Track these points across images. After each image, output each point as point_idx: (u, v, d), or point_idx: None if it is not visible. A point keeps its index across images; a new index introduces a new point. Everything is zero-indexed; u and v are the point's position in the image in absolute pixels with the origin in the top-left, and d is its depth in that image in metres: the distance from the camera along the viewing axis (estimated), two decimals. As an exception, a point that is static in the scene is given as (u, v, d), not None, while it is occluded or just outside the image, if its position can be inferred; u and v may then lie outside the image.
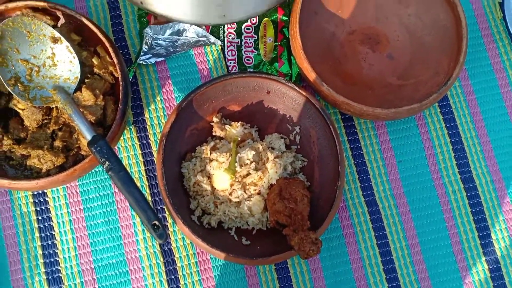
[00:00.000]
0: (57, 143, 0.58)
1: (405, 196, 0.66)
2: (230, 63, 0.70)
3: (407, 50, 0.67)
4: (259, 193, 0.61)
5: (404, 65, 0.67)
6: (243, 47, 0.70)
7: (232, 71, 0.69)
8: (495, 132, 0.68)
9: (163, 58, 0.68)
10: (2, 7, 0.60)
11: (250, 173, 0.60)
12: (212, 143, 0.63)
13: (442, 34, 0.66)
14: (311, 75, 0.62)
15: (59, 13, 0.62)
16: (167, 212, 0.64)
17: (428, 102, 0.61)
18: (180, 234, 0.63)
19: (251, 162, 0.60)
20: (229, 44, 0.70)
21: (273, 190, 0.59)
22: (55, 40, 0.59)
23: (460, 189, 0.66)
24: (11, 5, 0.61)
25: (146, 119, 0.66)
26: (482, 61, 0.70)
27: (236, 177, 0.60)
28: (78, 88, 0.60)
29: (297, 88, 0.63)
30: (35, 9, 0.61)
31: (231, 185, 0.59)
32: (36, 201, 0.63)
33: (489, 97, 0.69)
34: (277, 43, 0.70)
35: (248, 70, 0.69)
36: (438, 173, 0.66)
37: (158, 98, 0.67)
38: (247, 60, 0.70)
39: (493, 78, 0.69)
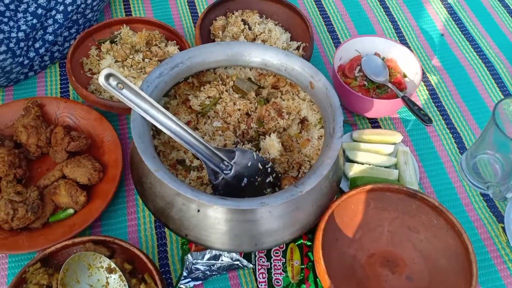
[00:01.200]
0: None
1: None
2: (261, 285, 0.76)
3: (425, 272, 0.73)
4: None
5: (423, 287, 0.72)
6: (272, 270, 0.78)
7: (263, 294, 0.75)
8: None
9: (200, 282, 0.76)
10: (70, 241, 0.72)
11: None
12: None
13: (454, 258, 0.72)
14: (336, 298, 0.67)
15: (115, 246, 0.73)
16: None
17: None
18: None
19: None
20: (260, 267, 0.78)
21: None
22: (110, 271, 0.68)
23: None
24: (77, 239, 0.72)
25: None
26: (496, 281, 0.74)
27: None
28: (125, 314, 0.66)
29: (324, 312, 0.67)
30: (96, 242, 0.73)
31: None
32: None
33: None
34: (303, 266, 0.77)
35: (278, 292, 0.75)
36: None
37: (195, 321, 0.73)
38: (276, 282, 0.76)
39: (511, 299, 0.73)
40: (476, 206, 0.86)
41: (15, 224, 0.76)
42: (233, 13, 1.07)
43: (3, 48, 0.88)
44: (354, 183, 0.84)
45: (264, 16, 1.08)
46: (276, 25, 1.06)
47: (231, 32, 1.02)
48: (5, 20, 0.90)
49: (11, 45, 0.90)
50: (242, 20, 1.04)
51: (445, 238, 0.74)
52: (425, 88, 1.04)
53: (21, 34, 0.91)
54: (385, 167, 0.89)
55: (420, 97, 1.03)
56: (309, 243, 0.79)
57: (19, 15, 0.92)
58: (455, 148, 0.95)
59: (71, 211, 0.80)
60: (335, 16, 1.16)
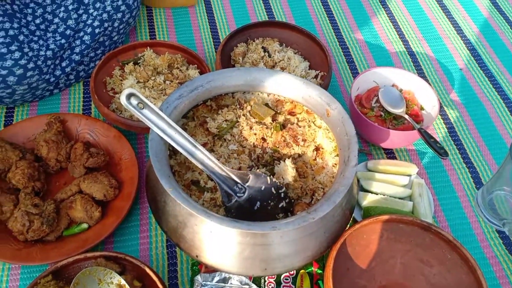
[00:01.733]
0: None
1: None
2: (269, 312, 0.75)
3: (436, 307, 0.72)
4: None
5: (434, 322, 0.70)
6: (281, 297, 0.77)
7: (271, 320, 0.75)
8: None
9: (209, 304, 0.76)
10: (82, 255, 0.73)
11: None
12: None
13: (468, 295, 0.71)
14: (344, 329, 0.66)
15: (126, 262, 0.73)
16: None
17: None
18: None
19: None
20: (269, 293, 0.77)
21: None
22: (120, 287, 0.69)
23: None
24: (89, 254, 0.73)
25: None
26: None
27: None
28: (131, 332, 0.66)
29: None
30: (107, 257, 0.73)
31: None
32: None
33: None
34: (313, 295, 0.77)
35: (286, 319, 0.74)
36: None
37: None
38: (285, 309, 0.76)
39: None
40: (491, 242, 0.84)
41: (30, 235, 0.77)
42: (254, 41, 1.09)
43: (31, 65, 0.91)
44: (368, 212, 0.84)
45: (284, 45, 1.10)
46: (295, 53, 1.08)
47: (251, 59, 1.04)
48: (35, 39, 0.94)
49: (39, 62, 0.93)
50: (262, 47, 1.06)
51: (458, 274, 0.73)
52: (442, 121, 1.04)
53: (49, 53, 0.95)
54: (400, 198, 0.88)
55: (437, 130, 1.03)
56: (320, 271, 0.79)
57: (49, 34, 0.96)
58: (471, 183, 0.94)
59: (85, 225, 0.81)
60: (354, 47, 1.18)
